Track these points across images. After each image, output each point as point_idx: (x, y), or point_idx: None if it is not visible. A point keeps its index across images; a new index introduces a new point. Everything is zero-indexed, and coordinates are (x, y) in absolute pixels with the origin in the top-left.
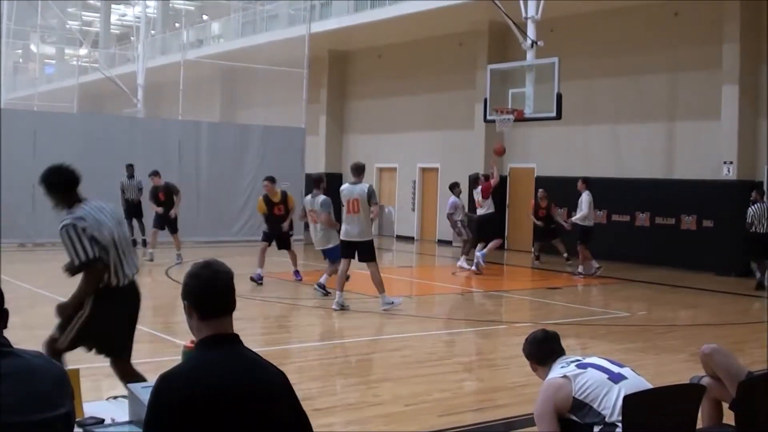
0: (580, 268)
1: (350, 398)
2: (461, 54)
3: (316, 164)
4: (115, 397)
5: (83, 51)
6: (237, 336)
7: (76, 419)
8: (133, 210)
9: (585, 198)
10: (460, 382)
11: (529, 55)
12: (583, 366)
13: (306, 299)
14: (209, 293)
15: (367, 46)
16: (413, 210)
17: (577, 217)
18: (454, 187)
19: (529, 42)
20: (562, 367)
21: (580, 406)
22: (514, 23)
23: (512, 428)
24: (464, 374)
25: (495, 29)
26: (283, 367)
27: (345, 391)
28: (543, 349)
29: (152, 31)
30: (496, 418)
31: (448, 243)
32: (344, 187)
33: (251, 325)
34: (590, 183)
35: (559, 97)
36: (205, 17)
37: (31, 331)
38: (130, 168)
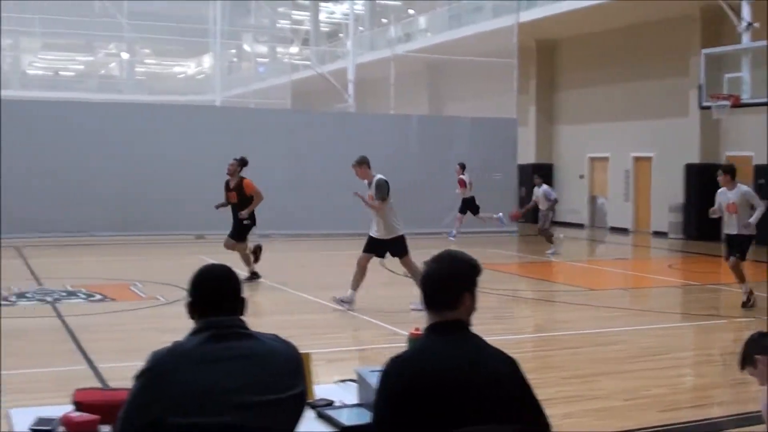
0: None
1: (567, 391)
2: (672, 40)
3: (526, 155)
4: (344, 381)
5: (294, 49)
6: (465, 322)
7: (308, 400)
8: None
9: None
10: (677, 378)
11: (745, 38)
12: None
13: (523, 291)
14: (433, 284)
15: (575, 34)
16: (626, 200)
17: (753, 219)
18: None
19: (744, 24)
20: None
21: None
22: (729, 5)
23: (730, 427)
24: (681, 370)
25: (707, 13)
26: None
27: (561, 384)
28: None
29: (360, 28)
30: (715, 415)
31: (664, 234)
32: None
33: None
34: None
35: None
36: (411, 12)
37: (259, 318)
38: None
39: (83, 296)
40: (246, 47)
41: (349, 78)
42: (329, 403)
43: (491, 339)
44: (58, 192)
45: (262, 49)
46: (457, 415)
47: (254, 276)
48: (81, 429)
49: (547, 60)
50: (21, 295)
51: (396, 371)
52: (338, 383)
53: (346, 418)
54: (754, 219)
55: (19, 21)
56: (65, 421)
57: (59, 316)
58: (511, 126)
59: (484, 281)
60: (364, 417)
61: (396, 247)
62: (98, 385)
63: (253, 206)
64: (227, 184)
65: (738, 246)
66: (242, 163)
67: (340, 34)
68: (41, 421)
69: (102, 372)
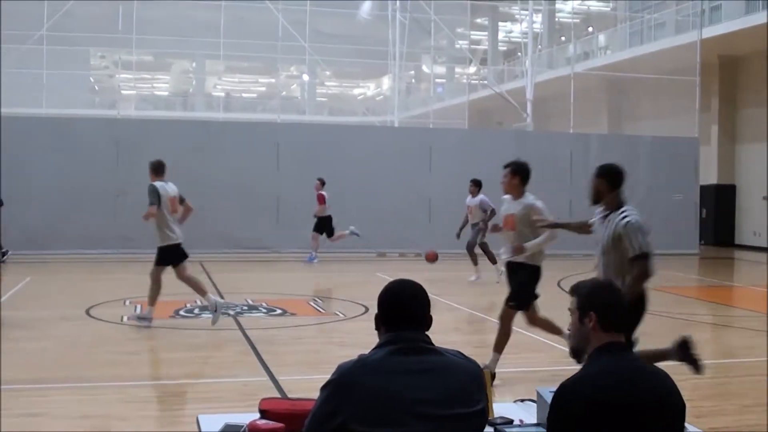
0: None
1: (747, 420)
2: None
3: (707, 175)
4: (523, 400)
5: (472, 69)
6: (628, 344)
7: (488, 418)
8: None
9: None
10: None
11: None
12: None
13: (701, 315)
14: (616, 307)
15: (760, 49)
16: None
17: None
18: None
19: None
20: None
21: None
22: None
23: None
24: None
25: None
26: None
27: (742, 412)
28: None
29: (539, 46)
30: None
31: None
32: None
33: (642, 339)
34: None
35: None
36: (590, 29)
37: (434, 336)
38: None
39: (264, 310)
40: (425, 68)
41: (527, 97)
42: (509, 422)
43: (666, 364)
44: (242, 208)
45: (441, 69)
46: None
47: None
48: None
49: (730, 76)
50: (204, 308)
51: (567, 394)
52: (517, 402)
53: None
54: (531, 244)
55: (204, 45)
56: (252, 427)
57: (241, 328)
58: (693, 146)
59: (661, 305)
60: None
61: (163, 254)
62: (279, 396)
63: None
64: None
65: (518, 283)
66: None
67: (518, 53)
68: (229, 427)
69: (282, 384)
